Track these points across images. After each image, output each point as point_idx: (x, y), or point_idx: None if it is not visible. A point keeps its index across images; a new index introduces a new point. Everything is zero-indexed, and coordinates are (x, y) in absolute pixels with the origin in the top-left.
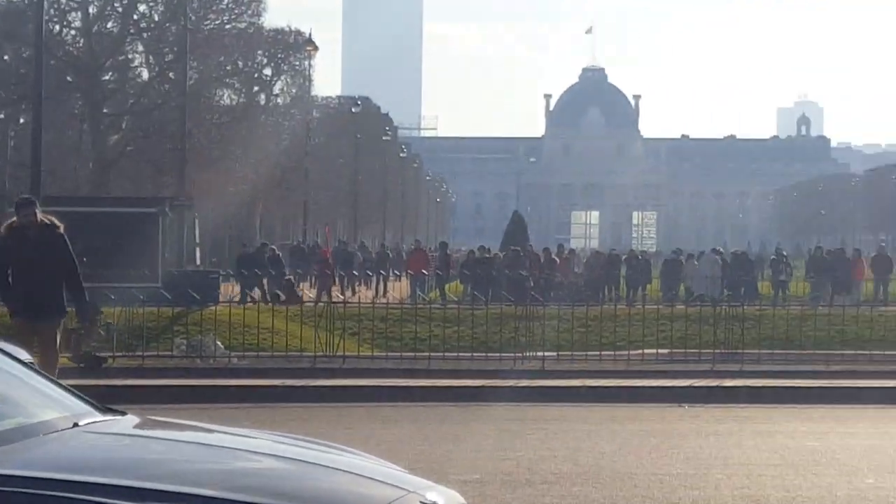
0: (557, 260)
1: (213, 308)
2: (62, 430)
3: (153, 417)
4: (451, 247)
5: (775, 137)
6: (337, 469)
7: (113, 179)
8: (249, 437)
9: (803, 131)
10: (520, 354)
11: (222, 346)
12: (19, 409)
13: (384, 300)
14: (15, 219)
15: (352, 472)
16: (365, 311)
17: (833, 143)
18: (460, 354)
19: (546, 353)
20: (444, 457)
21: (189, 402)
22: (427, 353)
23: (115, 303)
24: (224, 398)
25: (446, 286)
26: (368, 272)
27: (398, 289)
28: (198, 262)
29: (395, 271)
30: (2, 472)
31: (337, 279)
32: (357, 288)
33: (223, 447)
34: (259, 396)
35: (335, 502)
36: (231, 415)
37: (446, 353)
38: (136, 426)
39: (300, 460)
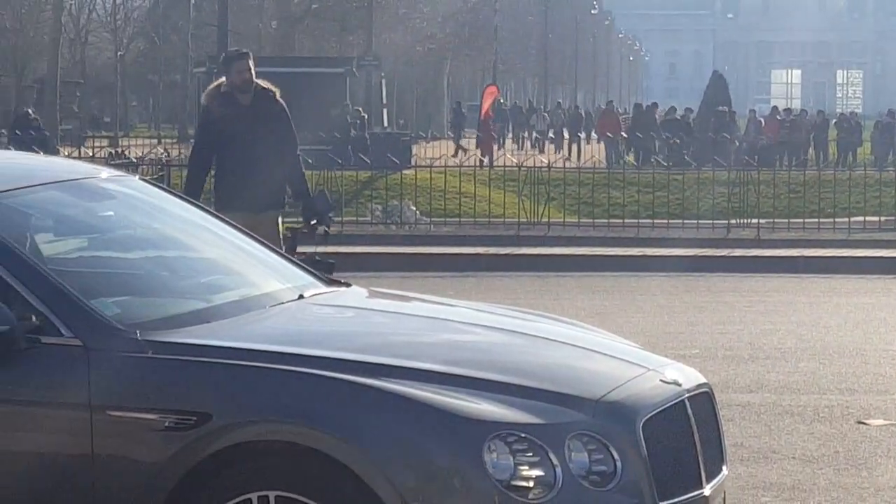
0: (762, 121)
1: (405, 172)
2: (288, 302)
3: (377, 289)
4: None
5: None
6: (572, 345)
7: (297, 39)
8: (476, 309)
9: None
10: (733, 222)
11: (417, 212)
12: (243, 281)
13: (579, 163)
14: (223, 79)
15: (584, 348)
16: (557, 175)
17: None
18: (671, 222)
19: (761, 221)
20: (660, 329)
21: (388, 270)
22: (635, 221)
23: (312, 167)
24: (425, 266)
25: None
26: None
27: (589, 152)
28: (385, 124)
29: (580, 133)
30: (229, 345)
31: (507, 142)
32: (546, 150)
33: (450, 320)
34: (462, 265)
35: (567, 379)
36: (434, 284)
37: (656, 222)
38: (362, 298)
39: (530, 335)
